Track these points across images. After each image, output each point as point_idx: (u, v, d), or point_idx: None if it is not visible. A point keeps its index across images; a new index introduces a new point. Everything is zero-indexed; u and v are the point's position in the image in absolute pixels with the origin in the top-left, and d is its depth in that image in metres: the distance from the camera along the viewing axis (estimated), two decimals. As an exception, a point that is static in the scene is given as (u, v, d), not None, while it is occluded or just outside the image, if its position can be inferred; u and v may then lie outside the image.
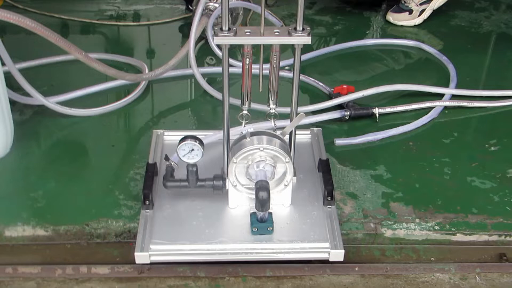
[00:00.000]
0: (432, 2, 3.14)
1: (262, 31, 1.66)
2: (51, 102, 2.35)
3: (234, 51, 2.81)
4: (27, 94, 2.34)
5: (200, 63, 2.71)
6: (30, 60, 2.70)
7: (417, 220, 1.93)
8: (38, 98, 2.32)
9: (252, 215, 1.81)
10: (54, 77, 2.65)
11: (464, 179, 2.11)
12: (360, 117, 2.39)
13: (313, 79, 2.60)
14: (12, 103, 2.31)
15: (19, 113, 2.38)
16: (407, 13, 3.12)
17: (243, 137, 1.80)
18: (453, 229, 1.92)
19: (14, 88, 2.34)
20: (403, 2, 3.14)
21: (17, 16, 1.95)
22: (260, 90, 1.79)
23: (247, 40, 1.66)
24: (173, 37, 3.04)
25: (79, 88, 2.51)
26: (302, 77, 2.60)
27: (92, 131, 2.34)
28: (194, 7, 2.77)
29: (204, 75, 2.54)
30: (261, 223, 1.80)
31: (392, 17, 3.15)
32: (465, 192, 2.06)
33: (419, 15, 3.13)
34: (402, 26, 3.15)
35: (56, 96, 2.44)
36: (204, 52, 2.85)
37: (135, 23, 3.16)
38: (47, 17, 3.15)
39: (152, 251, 1.75)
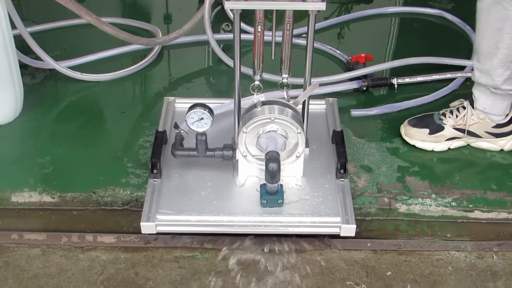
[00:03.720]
0: None
1: (275, -4, 1.59)
2: (63, 67, 2.31)
3: (252, 17, 2.74)
4: (39, 58, 2.29)
5: (216, 29, 2.65)
6: (44, 23, 2.66)
7: (433, 196, 1.87)
8: (49, 62, 2.28)
9: (262, 187, 1.76)
10: (67, 41, 2.61)
11: (484, 153, 2.03)
12: (378, 87, 2.32)
13: (330, 47, 2.53)
14: (24, 66, 2.29)
15: (30, 77, 2.34)
16: None
17: (254, 106, 1.75)
18: (470, 205, 1.86)
19: (27, 51, 2.30)
20: None
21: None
22: (273, 58, 1.73)
23: (259, 5, 1.60)
24: (190, 2, 2.97)
25: (92, 53, 2.46)
26: (319, 45, 2.53)
27: (103, 96, 2.30)
28: (211, -29, 2.70)
29: (220, 41, 2.48)
30: (271, 195, 1.74)
31: None
32: (485, 168, 1.99)
33: None
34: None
35: (69, 60, 2.40)
36: (220, 18, 2.78)
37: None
38: (63, -21, 3.09)
39: (159, 221, 1.71)
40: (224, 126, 1.98)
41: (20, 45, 2.24)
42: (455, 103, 2.04)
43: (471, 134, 2.00)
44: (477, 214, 1.85)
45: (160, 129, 1.97)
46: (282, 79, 1.76)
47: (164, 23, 2.83)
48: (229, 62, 2.39)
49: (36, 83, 2.33)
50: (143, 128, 2.12)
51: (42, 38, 2.48)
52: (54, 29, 2.66)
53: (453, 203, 1.86)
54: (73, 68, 2.35)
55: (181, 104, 2.10)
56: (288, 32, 1.67)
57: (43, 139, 2.07)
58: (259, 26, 1.65)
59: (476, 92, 1.98)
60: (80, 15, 2.05)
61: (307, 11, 1.61)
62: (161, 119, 2.03)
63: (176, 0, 3.01)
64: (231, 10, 1.64)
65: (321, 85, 2.24)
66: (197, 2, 2.96)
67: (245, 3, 1.58)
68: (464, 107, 2.00)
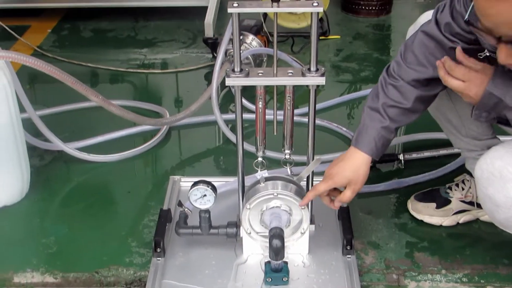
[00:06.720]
0: None
1: (275, 71, 1.61)
2: (71, 148, 2.33)
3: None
4: (49, 140, 2.32)
5: (224, 110, 2.67)
6: (54, 107, 2.70)
7: (443, 271, 1.83)
8: (57, 144, 2.30)
9: (267, 264, 1.73)
10: (76, 123, 2.64)
11: (493, 227, 1.97)
12: (385, 163, 2.31)
13: (336, 125, 2.52)
14: (33, 148, 2.31)
15: (39, 158, 2.37)
16: None
17: (257, 182, 1.74)
18: (482, 281, 1.81)
19: (37, 134, 2.33)
20: None
21: (27, 57, 1.94)
22: (275, 133, 1.73)
23: (258, 81, 1.61)
24: (199, 84, 3.01)
25: (100, 134, 2.48)
26: (325, 123, 2.52)
27: (110, 177, 2.30)
28: (218, 54, 2.75)
29: (228, 122, 2.49)
30: (276, 273, 1.71)
31: None
32: (495, 242, 1.94)
33: None
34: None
35: (77, 142, 2.42)
36: (229, 99, 2.81)
37: (161, 71, 3.15)
38: (76, 65, 3.16)
39: (161, 301, 1.68)
40: (230, 204, 1.97)
41: (31, 128, 2.28)
42: (459, 177, 2.02)
43: (480, 206, 1.96)
44: (489, 290, 1.80)
45: (165, 207, 1.97)
46: (285, 155, 1.76)
47: (174, 106, 2.86)
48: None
49: (44, 164, 2.35)
50: (149, 207, 2.11)
51: (53, 120, 2.52)
52: (64, 112, 2.70)
53: (464, 279, 1.81)
54: (81, 149, 2.37)
55: (187, 183, 2.09)
56: (289, 108, 1.68)
57: (48, 220, 2.08)
58: (260, 102, 1.66)
59: (469, 165, 1.97)
60: (87, 95, 2.09)
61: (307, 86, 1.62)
62: (166, 198, 2.03)
63: (186, 83, 3.06)
64: (232, 87, 1.66)
65: (328, 162, 2.23)
66: (206, 84, 3.01)
67: (245, 79, 1.60)
68: (468, 180, 1.98)
